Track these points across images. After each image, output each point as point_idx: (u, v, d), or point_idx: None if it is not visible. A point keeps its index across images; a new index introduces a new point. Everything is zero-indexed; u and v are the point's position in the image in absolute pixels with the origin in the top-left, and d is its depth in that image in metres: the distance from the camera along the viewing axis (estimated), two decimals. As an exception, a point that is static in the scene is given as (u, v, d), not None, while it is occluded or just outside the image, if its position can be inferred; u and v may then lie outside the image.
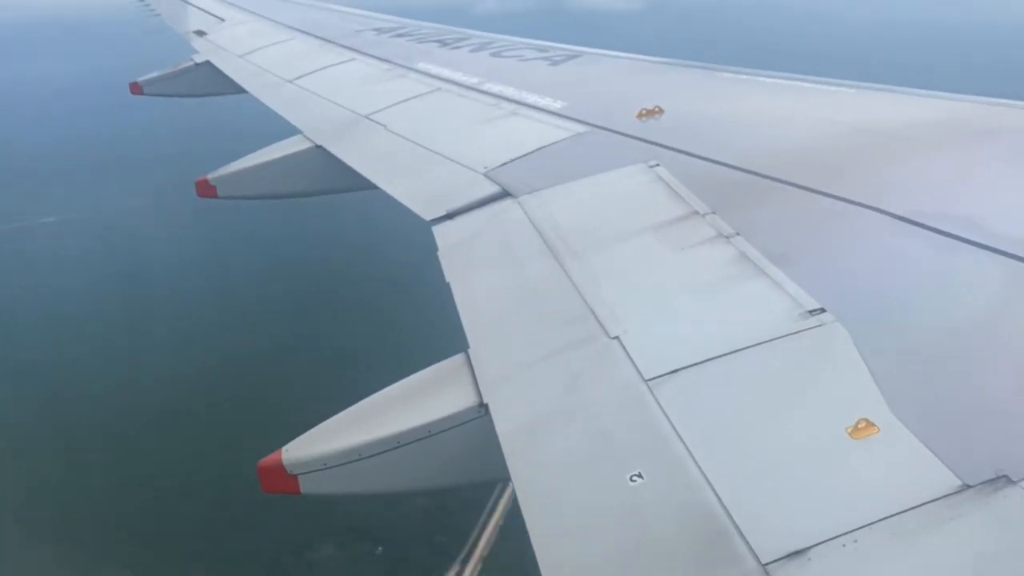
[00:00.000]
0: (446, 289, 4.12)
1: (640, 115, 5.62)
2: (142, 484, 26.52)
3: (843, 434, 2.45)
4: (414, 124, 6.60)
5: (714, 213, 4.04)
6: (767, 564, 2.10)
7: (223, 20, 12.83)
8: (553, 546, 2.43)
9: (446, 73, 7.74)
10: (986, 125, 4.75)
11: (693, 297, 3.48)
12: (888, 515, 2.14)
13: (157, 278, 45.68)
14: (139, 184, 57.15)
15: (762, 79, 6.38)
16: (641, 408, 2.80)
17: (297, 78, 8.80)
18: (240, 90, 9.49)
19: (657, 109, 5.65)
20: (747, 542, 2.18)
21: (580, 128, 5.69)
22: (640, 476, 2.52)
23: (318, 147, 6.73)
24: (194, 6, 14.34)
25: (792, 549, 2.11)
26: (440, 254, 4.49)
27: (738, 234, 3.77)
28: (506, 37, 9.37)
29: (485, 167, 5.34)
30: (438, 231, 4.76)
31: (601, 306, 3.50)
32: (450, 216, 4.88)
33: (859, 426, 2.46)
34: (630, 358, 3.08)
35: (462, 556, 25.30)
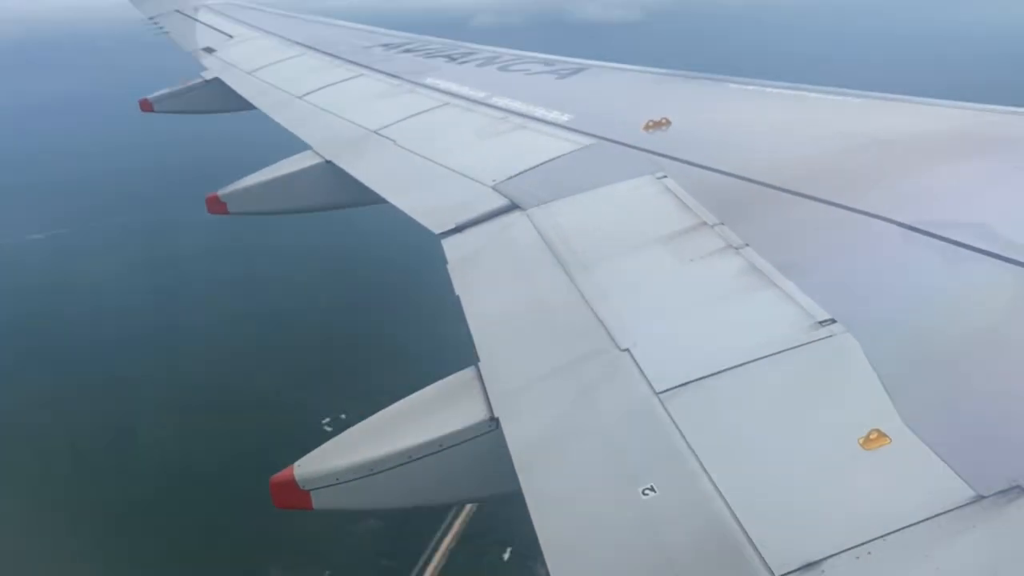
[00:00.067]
0: (456, 302, 4.13)
1: (647, 127, 5.64)
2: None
3: (855, 445, 2.44)
4: (423, 138, 6.63)
5: (723, 224, 4.03)
6: None
7: (231, 37, 12.91)
8: (566, 561, 2.42)
9: (454, 88, 7.78)
10: (995, 134, 4.74)
11: (703, 309, 3.48)
12: (901, 527, 2.13)
13: (182, 292, 46.53)
14: (153, 201, 58.03)
15: (769, 89, 6.37)
16: (652, 421, 2.80)
17: (306, 94, 8.84)
18: (249, 106, 9.55)
19: (664, 121, 5.66)
20: (760, 555, 2.17)
21: (588, 140, 5.70)
22: (652, 489, 2.51)
23: (328, 162, 6.76)
24: (203, 23, 14.44)
25: (805, 561, 2.11)
26: (449, 267, 4.50)
27: (747, 245, 3.77)
28: (512, 51, 9.40)
29: (494, 180, 5.36)
30: (447, 244, 4.77)
31: (611, 318, 3.50)
32: (459, 229, 4.89)
33: (871, 437, 2.45)
34: (641, 371, 3.08)
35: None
